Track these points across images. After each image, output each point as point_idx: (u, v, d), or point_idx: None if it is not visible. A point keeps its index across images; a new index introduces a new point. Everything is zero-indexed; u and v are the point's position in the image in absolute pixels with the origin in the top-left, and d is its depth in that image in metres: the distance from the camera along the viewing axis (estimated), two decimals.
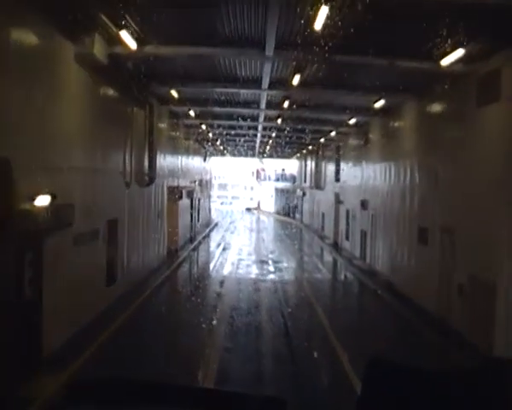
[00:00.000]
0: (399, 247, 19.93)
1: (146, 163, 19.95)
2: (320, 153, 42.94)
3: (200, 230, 39.23)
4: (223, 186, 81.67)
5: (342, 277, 24.22)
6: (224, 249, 32.39)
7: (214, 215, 58.88)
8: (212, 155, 56.89)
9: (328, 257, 31.46)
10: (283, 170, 69.29)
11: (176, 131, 28.94)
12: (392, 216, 21.01)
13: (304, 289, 20.44)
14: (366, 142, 26.25)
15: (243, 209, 77.39)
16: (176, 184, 28.60)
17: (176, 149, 28.57)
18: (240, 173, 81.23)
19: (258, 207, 76.12)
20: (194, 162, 37.41)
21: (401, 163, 20.27)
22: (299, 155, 54.34)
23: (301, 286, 21.42)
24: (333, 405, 8.85)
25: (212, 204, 79.84)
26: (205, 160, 44.73)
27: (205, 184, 46.16)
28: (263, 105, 22.99)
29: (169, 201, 27.66)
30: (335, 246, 33.70)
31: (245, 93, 21.48)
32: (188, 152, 34.07)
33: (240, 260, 27.98)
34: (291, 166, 65.61)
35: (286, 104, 21.46)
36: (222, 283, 21.20)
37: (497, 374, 1.43)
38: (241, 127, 32.54)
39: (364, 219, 26.19)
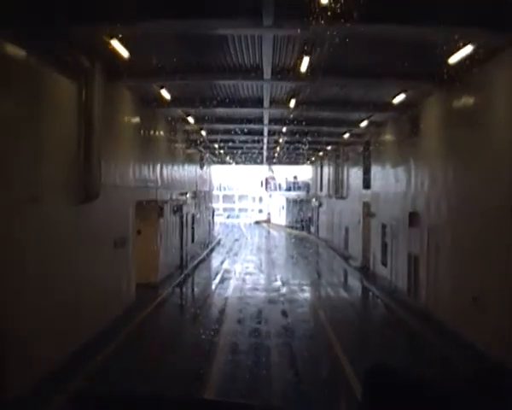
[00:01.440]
0: (487, 287, 12.29)
1: (82, 168, 12.53)
2: (341, 154, 35.35)
3: (196, 252, 31.72)
4: (229, 198, 74.25)
5: (392, 331, 16.27)
6: (222, 281, 24.78)
7: (217, 232, 51.54)
8: (213, 162, 49.86)
9: (362, 292, 23.70)
10: (295, 178, 61.75)
11: (153, 127, 21.60)
12: (472, 239, 13.35)
13: (338, 361, 12.68)
14: (416, 132, 18.66)
15: (251, 223, 69.90)
16: (152, 197, 21.17)
17: (153, 152, 21.19)
18: (247, 183, 73.79)
19: (268, 221, 68.60)
20: (185, 170, 29.99)
21: (487, 159, 12.66)
22: (313, 158, 46.81)
23: (333, 351, 13.64)
24: None
25: (216, 218, 72.67)
26: (201, 167, 37.30)
27: (203, 197, 38.75)
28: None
29: (141, 220, 20.38)
30: (365, 271, 26.05)
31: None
32: (175, 157, 26.67)
33: (242, 299, 20.40)
34: (304, 172, 58.13)
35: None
36: (211, 353, 13.37)
37: (497, 386, 1.45)
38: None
39: (414, 238, 18.57)
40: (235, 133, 28.88)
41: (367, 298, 21.88)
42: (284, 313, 17.91)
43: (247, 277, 26.16)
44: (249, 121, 24.86)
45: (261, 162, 54.47)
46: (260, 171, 68.29)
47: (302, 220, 55.21)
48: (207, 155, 41.54)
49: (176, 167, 26.82)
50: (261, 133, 29.11)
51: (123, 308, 15.93)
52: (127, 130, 17.66)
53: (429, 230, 17.01)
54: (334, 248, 37.22)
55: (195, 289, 23.13)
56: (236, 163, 54.37)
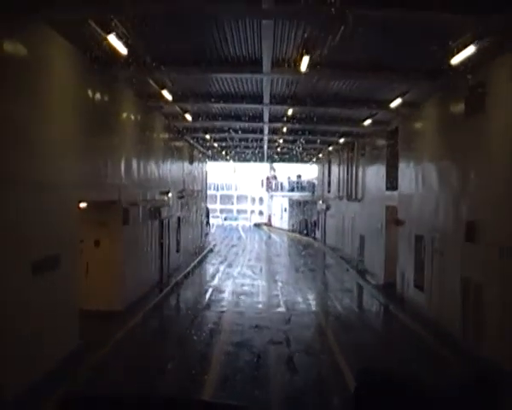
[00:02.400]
0: None
1: None
2: (356, 148, 29.94)
3: (182, 264, 26.33)
4: (227, 198, 68.79)
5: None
6: (207, 307, 19.29)
7: (212, 236, 46.23)
8: (208, 158, 44.58)
9: (392, 324, 18.14)
10: (299, 177, 56.29)
11: (115, 106, 16.28)
12: None
13: None
14: (477, 109, 13.18)
15: (251, 225, 64.43)
16: (113, 197, 15.79)
17: (113, 141, 15.84)
18: (246, 183, 68.34)
19: (268, 224, 63.12)
20: (167, 166, 24.57)
21: None
22: (320, 155, 41.38)
23: None
24: None
25: (213, 220, 67.27)
26: (191, 163, 31.88)
27: (194, 196, 33.37)
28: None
29: (100, 228, 15.21)
30: (390, 293, 20.66)
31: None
32: (151, 148, 21.28)
33: (234, 337, 14.94)
34: (309, 171, 52.79)
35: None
36: None
37: (486, 388, 1.47)
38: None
39: (474, 258, 13.17)
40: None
41: (401, 335, 16.28)
42: (292, 367, 12.44)
43: (242, 299, 20.70)
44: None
45: (262, 160, 49.14)
46: (261, 169, 62.95)
47: (306, 224, 49.76)
48: (200, 149, 36.16)
49: (153, 161, 21.39)
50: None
51: (44, 370, 10.50)
52: (65, 104, 12.23)
53: (504, 249, 11.58)
54: (345, 258, 31.78)
55: (172, 321, 17.64)
56: (234, 160, 48.99)
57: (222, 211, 68.68)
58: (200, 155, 38.87)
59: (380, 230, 24.17)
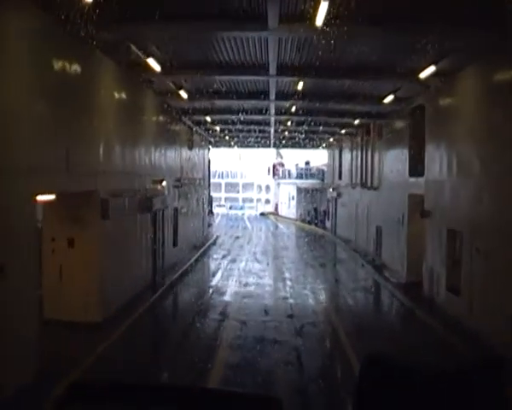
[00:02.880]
0: None
1: None
2: (372, 131, 27.16)
3: (180, 260, 23.72)
4: (232, 186, 66.08)
5: None
6: (204, 313, 16.60)
7: (216, 226, 43.71)
8: (211, 144, 41.97)
9: (426, 338, 15.37)
10: (307, 164, 53.40)
11: (92, 79, 13.61)
12: None
13: None
14: None
15: (257, 215, 61.75)
16: (88, 186, 13.15)
17: (89, 120, 13.14)
18: (252, 170, 65.56)
19: (275, 213, 60.40)
20: (162, 151, 21.87)
21: None
22: (331, 139, 38.54)
23: None
24: None
25: (218, 209, 64.63)
26: (190, 148, 29.17)
27: (195, 185, 30.78)
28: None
29: (74, 224, 12.69)
30: (414, 293, 18.04)
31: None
32: (140, 130, 18.60)
33: (233, 359, 12.28)
34: (318, 157, 49.89)
35: None
36: None
37: (493, 372, 1.45)
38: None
39: None
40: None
41: (436, 349, 13.52)
42: (304, 400, 9.77)
43: (246, 302, 18.03)
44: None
45: (268, 145, 46.40)
46: (267, 156, 60.06)
47: (316, 214, 46.96)
48: (201, 134, 33.48)
49: (142, 146, 18.70)
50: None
51: None
52: (16, 62, 9.52)
53: None
54: (359, 251, 29.11)
55: (161, 332, 14.97)
56: (239, 146, 46.27)
57: (227, 200, 65.95)
58: (202, 141, 36.19)
59: (400, 221, 21.45)
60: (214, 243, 33.43)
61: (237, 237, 37.96)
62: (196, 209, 32.36)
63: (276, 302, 18.21)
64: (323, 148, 44.01)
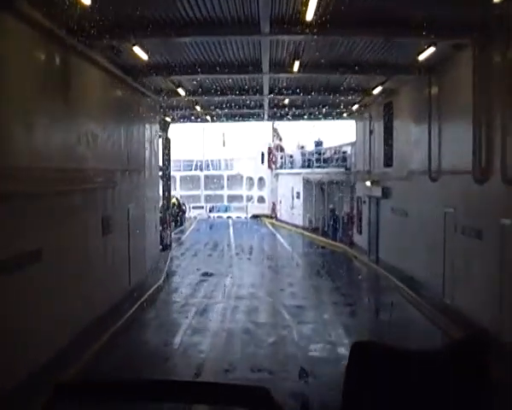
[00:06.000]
0: None
1: None
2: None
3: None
4: (213, 180, 49.80)
5: None
6: None
7: (178, 248, 28.01)
8: (169, 117, 26.59)
9: None
10: (319, 144, 36.95)
11: None
12: None
13: None
14: None
15: (248, 218, 45.64)
16: None
17: None
18: (241, 158, 49.32)
19: (272, 216, 44.18)
20: None
21: None
22: (365, 100, 22.52)
23: None
24: None
25: (197, 212, 48.56)
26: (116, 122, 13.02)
27: (120, 182, 14.72)
28: None
29: None
30: None
31: None
32: None
33: None
34: (336, 134, 33.77)
35: None
36: None
37: (479, 353, 1.46)
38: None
39: None
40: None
41: None
42: None
43: None
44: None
45: (261, 118, 30.44)
46: (260, 137, 43.82)
47: (335, 220, 30.76)
48: (151, 97, 18.19)
49: None
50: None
51: None
52: None
53: None
54: (435, 299, 13.92)
55: None
56: (217, 119, 30.21)
57: (208, 199, 49.67)
58: (152, 113, 20.83)
59: None
60: (154, 299, 16.93)
61: (206, 277, 21.32)
62: (132, 223, 16.71)
63: None
64: (347, 117, 27.84)
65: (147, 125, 20.75)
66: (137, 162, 18.51)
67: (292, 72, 16.31)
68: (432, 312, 14.88)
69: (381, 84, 18.98)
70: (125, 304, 14.92)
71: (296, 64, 15.62)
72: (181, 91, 19.38)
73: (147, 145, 20.90)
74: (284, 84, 20.04)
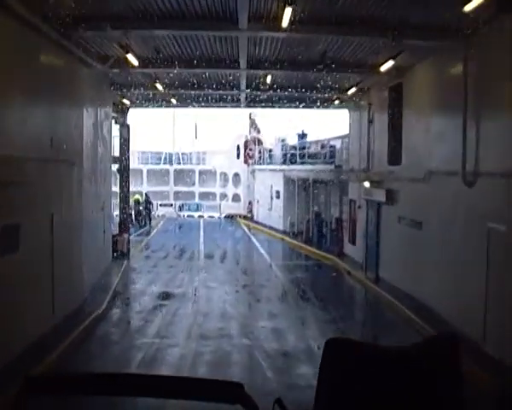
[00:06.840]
0: None
1: None
2: None
3: None
4: (184, 176, 45.15)
5: None
6: None
7: (138, 257, 23.66)
8: (128, 100, 22.23)
9: None
10: (303, 136, 32.56)
11: None
12: None
13: None
14: None
15: (221, 219, 41.17)
16: None
17: None
18: (215, 151, 44.74)
19: (248, 216, 39.71)
20: None
21: None
22: (362, 85, 18.24)
23: None
24: None
25: (163, 210, 43.92)
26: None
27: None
28: None
29: None
30: None
31: None
32: None
33: None
34: (323, 126, 29.57)
35: None
36: None
37: (450, 346, 1.45)
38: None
39: None
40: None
41: None
42: None
43: None
44: None
45: (236, 103, 25.98)
46: (236, 128, 39.33)
47: (320, 225, 26.43)
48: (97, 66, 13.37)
49: None
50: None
51: None
52: None
53: None
54: (470, 345, 9.50)
55: None
56: (183, 103, 25.68)
57: (178, 196, 44.97)
58: (99, 89, 16.35)
59: None
60: (78, 347, 12.28)
61: (164, 300, 16.63)
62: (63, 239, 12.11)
63: None
64: (339, 105, 23.50)
65: (89, 105, 16.10)
66: (70, 151, 13.82)
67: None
68: (470, 366, 10.64)
69: (393, 57, 14.67)
70: (39, 353, 10.29)
71: None
72: (132, 59, 14.74)
73: (90, 130, 16.28)
74: (266, 52, 15.59)
